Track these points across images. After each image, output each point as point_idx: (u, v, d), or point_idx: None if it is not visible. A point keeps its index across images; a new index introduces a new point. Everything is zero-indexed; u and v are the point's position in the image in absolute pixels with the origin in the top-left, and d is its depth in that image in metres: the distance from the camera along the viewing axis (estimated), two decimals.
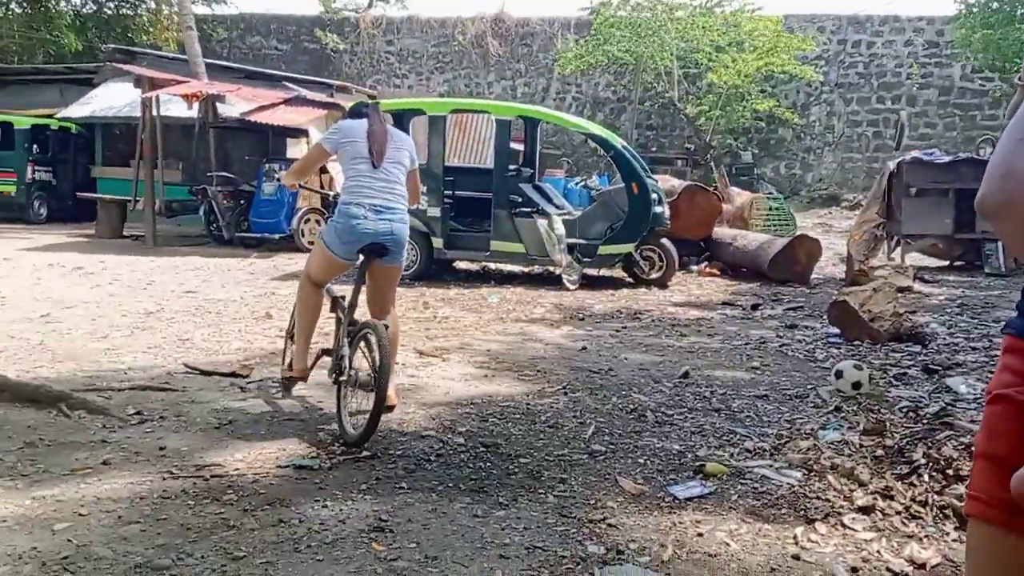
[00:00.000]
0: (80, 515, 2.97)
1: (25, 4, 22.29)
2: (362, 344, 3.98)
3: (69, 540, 2.76)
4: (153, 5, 22.79)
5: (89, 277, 9.17)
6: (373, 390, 3.76)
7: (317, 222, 12.49)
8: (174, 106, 13.40)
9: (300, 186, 4.99)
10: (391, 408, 4.17)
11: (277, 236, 12.53)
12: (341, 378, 4.00)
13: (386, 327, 3.98)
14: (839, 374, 4.87)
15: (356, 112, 4.40)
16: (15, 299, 7.55)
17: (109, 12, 23.47)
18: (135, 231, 13.56)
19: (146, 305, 7.42)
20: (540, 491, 3.38)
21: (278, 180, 5.49)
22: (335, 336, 4.30)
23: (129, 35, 22.08)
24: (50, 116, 16.58)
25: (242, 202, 13.00)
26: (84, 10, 23.69)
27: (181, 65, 15.76)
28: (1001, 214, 1.01)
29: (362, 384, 3.89)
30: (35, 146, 16.14)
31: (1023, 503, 1.03)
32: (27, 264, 9.98)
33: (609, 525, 3.06)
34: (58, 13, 21.99)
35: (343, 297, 4.34)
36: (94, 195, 14.41)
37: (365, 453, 3.70)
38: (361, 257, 4.16)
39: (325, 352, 4.43)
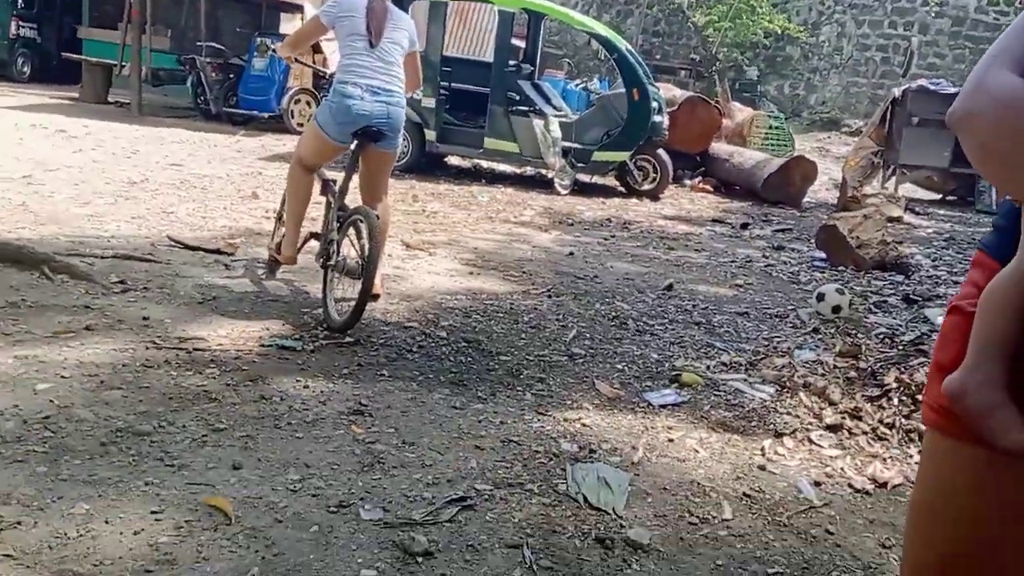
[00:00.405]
0: (62, 377, 2.99)
1: None
2: (351, 231, 3.95)
3: (51, 400, 2.78)
4: None
5: (72, 141, 8.97)
6: (360, 278, 3.75)
7: (308, 103, 12.20)
8: None
9: (296, 60, 4.83)
10: (376, 297, 4.17)
11: (266, 115, 12.25)
12: (328, 263, 3.98)
13: (377, 216, 3.94)
14: (820, 297, 4.92)
15: None
16: None
17: None
18: (120, 97, 13.21)
19: (130, 174, 7.30)
20: (518, 388, 3.43)
21: (273, 52, 5.29)
22: (324, 220, 4.25)
23: None
24: None
25: (231, 76, 12.64)
26: None
27: None
28: (963, 126, 1.05)
29: (349, 271, 3.88)
30: (19, 0, 15.53)
31: (955, 407, 1.07)
32: (8, 123, 9.73)
33: (583, 425, 3.13)
34: None
35: (334, 181, 4.28)
36: (79, 56, 13.93)
37: (348, 339, 3.73)
38: (355, 141, 4.06)
39: (314, 236, 4.38)
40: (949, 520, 1.12)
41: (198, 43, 13.11)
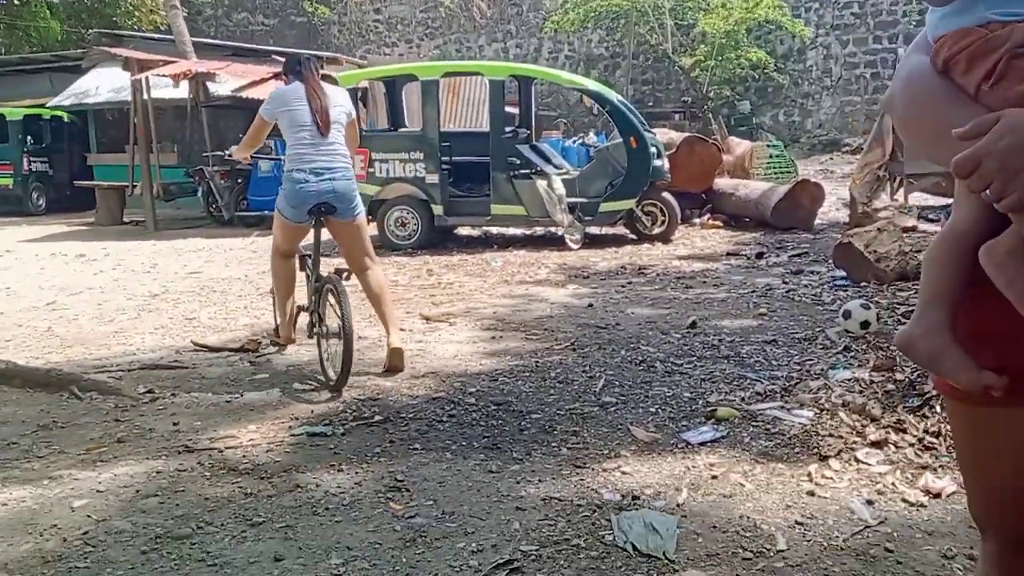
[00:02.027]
0: (98, 491, 2.99)
1: None
2: (329, 298, 4.29)
3: (88, 516, 2.79)
4: None
5: (92, 264, 9.17)
6: (341, 337, 4.06)
7: None
8: (165, 88, 13.28)
9: (252, 157, 5.16)
10: (400, 370, 4.40)
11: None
12: (316, 332, 4.38)
13: (346, 278, 4.31)
14: (847, 314, 4.86)
15: (291, 68, 4.48)
16: (20, 289, 7.56)
17: None
18: (135, 216, 13.52)
19: (151, 288, 7.43)
20: (553, 444, 3.39)
21: (228, 154, 5.64)
22: (307, 294, 4.58)
23: (114, 19, 21.86)
24: (41, 106, 16.47)
25: (239, 181, 12.91)
26: None
27: (169, 46, 15.60)
28: (887, 107, 1.21)
29: (333, 333, 4.21)
30: (29, 137, 16.06)
31: (908, 356, 1.22)
32: (30, 254, 9.98)
33: (623, 473, 3.08)
34: (37, 2, 21.82)
35: (309, 255, 4.59)
36: (91, 183, 14.34)
37: (377, 418, 3.72)
38: (311, 218, 4.37)
39: (301, 309, 4.70)
40: (965, 468, 1.32)
41: (204, 154, 13.45)
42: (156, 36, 18.42)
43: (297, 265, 4.65)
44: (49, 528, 2.69)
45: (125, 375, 4.53)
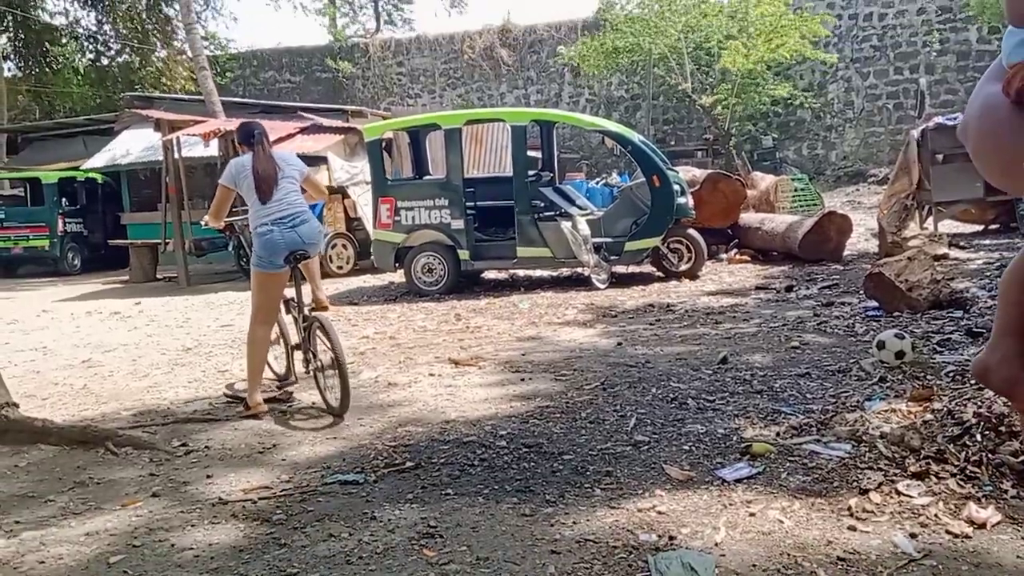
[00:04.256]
0: (134, 546, 3.00)
1: (29, 60, 22.91)
2: (318, 333, 4.75)
3: (125, 572, 2.79)
4: (163, 52, 23.22)
5: (126, 321, 9.31)
6: (336, 367, 4.50)
7: (344, 246, 12.58)
8: (195, 147, 13.59)
9: (227, 223, 5.64)
10: (325, 308, 5.05)
11: None
12: (313, 367, 4.81)
13: (325, 308, 4.96)
14: (881, 345, 4.79)
15: (245, 140, 4.95)
16: (56, 347, 7.69)
17: (120, 62, 24.01)
18: (168, 273, 13.76)
19: (184, 342, 7.52)
20: (586, 486, 3.35)
21: (204, 223, 6.00)
22: (296, 332, 5.05)
23: (142, 82, 22.51)
24: (76, 168, 16.91)
25: None
26: (98, 63, 24.29)
27: (198, 106, 16.00)
28: (962, 137, 1.22)
29: (327, 365, 4.67)
30: (64, 199, 16.47)
31: (984, 384, 1.25)
32: (65, 313, 10.17)
33: (659, 513, 3.03)
34: (66, 67, 22.61)
35: (293, 299, 5.05)
36: (125, 241, 14.64)
37: (409, 464, 3.71)
38: (287, 264, 4.80)
39: (296, 347, 5.12)
40: None
41: (234, 208, 13.66)
42: (186, 97, 18.92)
43: (283, 309, 5.18)
44: None
45: (159, 429, 4.58)
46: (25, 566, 2.88)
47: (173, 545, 3.00)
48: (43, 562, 2.91)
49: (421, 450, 3.89)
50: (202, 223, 6.25)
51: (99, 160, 16.28)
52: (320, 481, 3.58)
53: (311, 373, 4.89)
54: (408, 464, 3.71)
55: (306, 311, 4.96)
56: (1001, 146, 1.13)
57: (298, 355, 5.13)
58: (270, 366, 5.38)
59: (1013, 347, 1.13)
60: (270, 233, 4.73)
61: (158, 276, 14.05)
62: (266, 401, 5.03)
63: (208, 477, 3.73)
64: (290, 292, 5.05)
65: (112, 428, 4.48)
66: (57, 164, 17.61)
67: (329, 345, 4.57)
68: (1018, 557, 2.51)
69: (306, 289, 5.07)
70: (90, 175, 16.81)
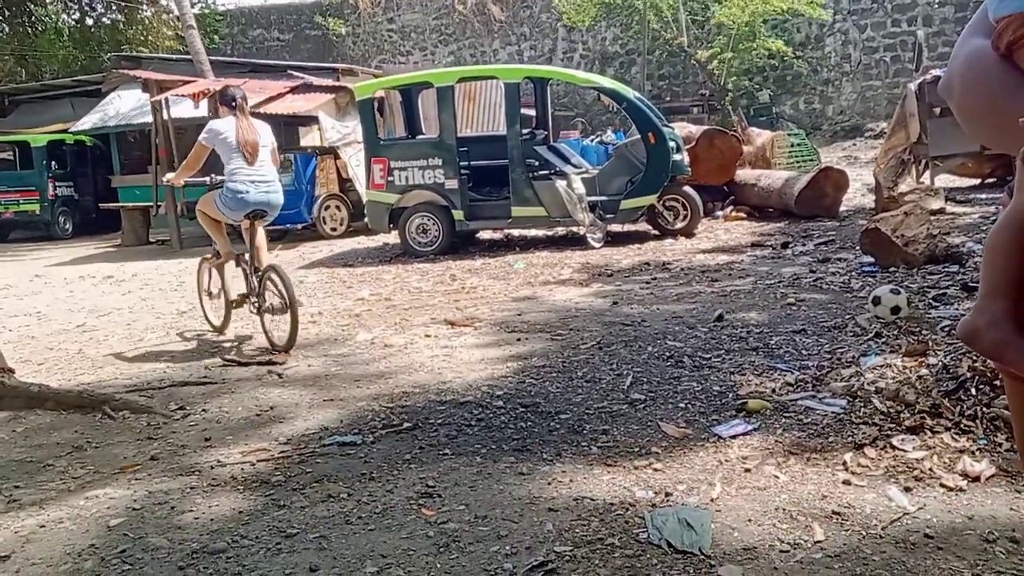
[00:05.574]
0: (134, 509, 3.01)
1: (13, 22, 22.54)
2: (268, 283, 5.37)
3: (125, 534, 2.81)
4: (149, 11, 22.83)
5: (120, 285, 9.28)
6: (287, 310, 5.20)
7: (337, 207, 12.51)
8: (184, 107, 13.43)
9: (184, 182, 6.07)
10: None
11: (299, 226, 12.56)
12: (261, 309, 5.44)
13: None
14: (877, 300, 4.79)
15: (227, 103, 5.52)
16: (51, 312, 7.67)
17: (106, 22, 23.62)
18: (160, 236, 13.68)
19: (178, 306, 7.50)
20: (583, 444, 3.37)
21: (166, 181, 6.47)
22: (246, 282, 5.65)
23: (128, 43, 22.15)
24: (64, 131, 16.72)
25: None
26: (82, 23, 23.90)
27: (187, 65, 15.76)
28: (944, 92, 1.18)
29: (277, 308, 5.30)
30: (54, 162, 16.30)
31: (972, 347, 1.21)
32: (58, 278, 10.13)
33: (655, 470, 3.05)
34: (50, 29, 22.25)
35: (243, 254, 5.69)
36: (116, 205, 14.53)
37: (407, 424, 3.72)
38: (245, 220, 5.49)
39: (234, 303, 5.78)
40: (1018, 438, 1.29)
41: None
42: (174, 56, 18.63)
43: (234, 262, 5.83)
44: (87, 548, 2.72)
45: (156, 393, 4.58)
46: (25, 530, 2.89)
47: (172, 508, 3.01)
48: (43, 526, 2.92)
49: (418, 411, 3.90)
50: (164, 180, 6.61)
51: (88, 122, 16.10)
52: (318, 443, 3.59)
53: (259, 314, 5.49)
54: (406, 425, 3.72)
55: (258, 264, 5.57)
56: (995, 103, 1.10)
57: (239, 310, 5.84)
58: (207, 319, 6.16)
59: (1001, 307, 1.12)
60: (244, 193, 5.38)
61: (150, 239, 13.97)
62: (261, 364, 5.05)
63: (206, 440, 3.74)
64: (243, 248, 5.71)
65: (109, 392, 4.48)
66: (46, 127, 17.40)
67: (282, 289, 5.20)
68: (1011, 510, 2.53)
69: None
70: (79, 138, 16.62)
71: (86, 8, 24.39)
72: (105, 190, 15.97)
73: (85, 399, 4.35)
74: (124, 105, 15.57)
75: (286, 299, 5.18)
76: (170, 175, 6.11)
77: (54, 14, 24.45)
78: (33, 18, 23.30)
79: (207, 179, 5.76)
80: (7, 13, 22.94)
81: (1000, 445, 2.90)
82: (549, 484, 2.98)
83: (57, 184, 16.27)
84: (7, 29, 23.38)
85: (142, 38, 22.42)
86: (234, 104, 5.50)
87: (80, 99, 17.82)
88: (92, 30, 23.86)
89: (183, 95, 12.40)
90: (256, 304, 5.52)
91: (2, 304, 8.33)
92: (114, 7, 23.36)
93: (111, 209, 14.73)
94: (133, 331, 6.50)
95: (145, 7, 22.74)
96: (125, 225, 14.10)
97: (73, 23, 24.55)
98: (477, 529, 2.67)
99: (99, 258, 12.23)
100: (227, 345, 5.73)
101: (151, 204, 13.50)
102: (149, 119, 13.25)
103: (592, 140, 14.15)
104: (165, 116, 12.74)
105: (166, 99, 12.57)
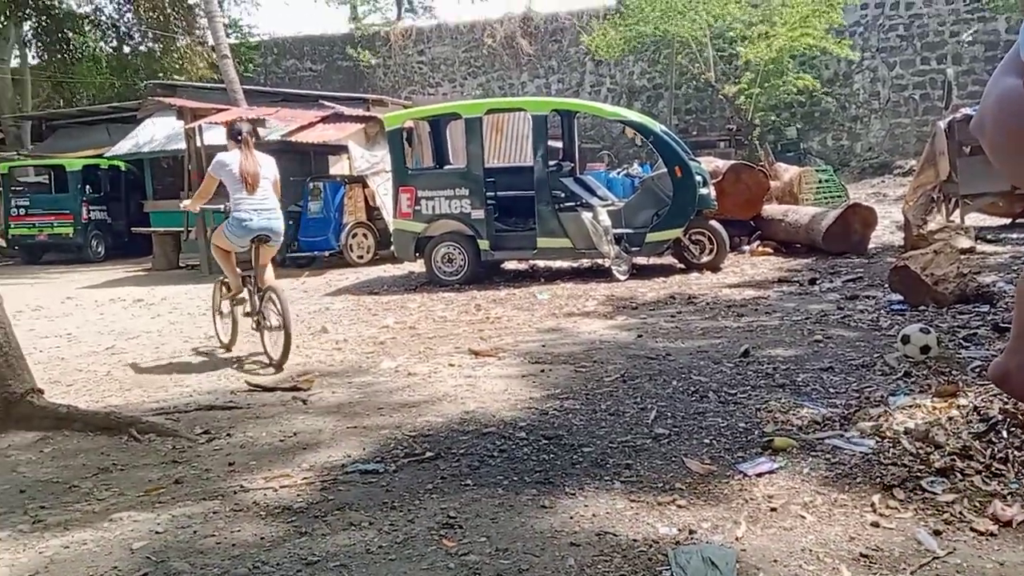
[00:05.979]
0: (157, 533, 3.03)
1: (51, 49, 23.13)
2: (268, 303, 5.84)
3: (148, 557, 2.82)
4: (184, 41, 23.35)
5: (150, 308, 9.40)
6: (282, 328, 5.63)
7: (364, 235, 12.62)
8: (217, 134, 13.66)
9: (200, 209, 6.72)
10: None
11: (327, 253, 12.68)
12: (262, 326, 5.89)
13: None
14: (906, 339, 4.73)
15: (233, 137, 5.96)
16: (80, 334, 7.77)
17: (143, 51, 24.19)
18: (190, 261, 13.86)
19: (206, 330, 7.56)
20: (606, 478, 3.34)
21: (182, 207, 6.90)
22: (250, 301, 6.09)
23: (164, 71, 22.65)
24: (99, 156, 17.06)
25: (290, 223, 13.16)
26: (120, 51, 24.50)
27: (220, 94, 16.07)
28: (976, 131, 1.20)
29: (274, 327, 5.77)
30: (88, 187, 16.64)
31: (1003, 389, 1.22)
32: (89, 301, 10.28)
33: (679, 506, 3.01)
34: (87, 56, 22.81)
35: (248, 275, 6.11)
36: (148, 229, 14.77)
37: (429, 454, 3.71)
38: (251, 244, 5.92)
39: (247, 314, 6.15)
40: None
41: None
42: (208, 85, 19.02)
43: (241, 282, 6.23)
44: (109, 570, 2.73)
45: (182, 417, 4.61)
46: (49, 551, 2.91)
47: (195, 532, 3.02)
48: (67, 547, 2.94)
49: (441, 440, 3.90)
50: (181, 207, 6.90)
51: (122, 148, 16.43)
52: (341, 471, 3.60)
53: (259, 331, 5.95)
54: (428, 454, 3.71)
55: (260, 285, 6.00)
56: (1021, 139, 1.11)
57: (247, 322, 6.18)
58: (217, 335, 6.61)
59: None
60: (248, 220, 5.82)
61: (181, 264, 14.16)
62: (286, 390, 5.09)
63: (230, 465, 3.75)
64: (249, 271, 6.11)
65: (135, 415, 4.52)
66: (81, 152, 17.78)
67: (281, 309, 5.63)
68: None
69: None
70: (113, 163, 16.95)
71: (123, 37, 25.02)
72: (138, 214, 16.26)
73: (112, 421, 4.39)
74: (158, 132, 15.88)
75: (282, 319, 5.59)
76: (186, 202, 6.56)
77: (92, 42, 25.11)
78: (71, 46, 23.93)
79: (222, 207, 6.14)
80: (46, 40, 23.58)
81: None
82: (571, 518, 2.96)
83: (91, 208, 16.59)
84: (46, 56, 24.01)
85: (177, 66, 22.93)
86: (239, 138, 5.90)
87: (115, 125, 18.23)
88: (129, 58, 24.47)
89: (216, 123, 12.63)
90: (256, 321, 5.95)
91: (33, 325, 8.46)
92: (151, 36, 23.93)
93: (143, 233, 14.97)
94: (161, 354, 6.57)
95: (181, 36, 23.26)
96: (156, 249, 14.31)
97: (110, 51, 25.20)
98: (498, 562, 2.65)
99: (130, 281, 12.41)
100: (252, 366, 5.77)
101: (182, 229, 13.71)
102: (182, 145, 13.51)
103: (618, 173, 14.22)
104: (198, 143, 12.98)
105: (199, 126, 12.80)
